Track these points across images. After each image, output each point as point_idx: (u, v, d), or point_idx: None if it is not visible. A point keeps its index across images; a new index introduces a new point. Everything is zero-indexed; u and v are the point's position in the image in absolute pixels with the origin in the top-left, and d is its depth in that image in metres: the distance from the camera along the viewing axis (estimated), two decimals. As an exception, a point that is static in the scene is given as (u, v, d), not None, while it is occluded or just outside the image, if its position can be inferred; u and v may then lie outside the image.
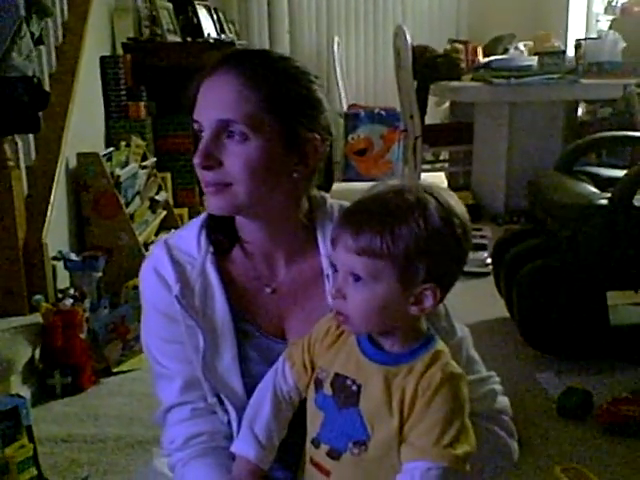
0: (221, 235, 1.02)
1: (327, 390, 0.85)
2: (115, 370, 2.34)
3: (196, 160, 0.92)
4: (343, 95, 5.49)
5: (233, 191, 0.92)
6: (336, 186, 1.10)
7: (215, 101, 0.92)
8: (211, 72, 0.93)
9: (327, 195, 1.06)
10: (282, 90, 0.92)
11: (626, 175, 2.24)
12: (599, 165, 3.06)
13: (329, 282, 0.98)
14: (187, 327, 0.96)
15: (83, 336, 2.26)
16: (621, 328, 2.37)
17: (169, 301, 0.97)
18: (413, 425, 0.80)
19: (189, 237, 1.01)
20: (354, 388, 0.83)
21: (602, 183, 2.45)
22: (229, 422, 0.96)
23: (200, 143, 0.93)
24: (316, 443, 0.86)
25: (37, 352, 2.19)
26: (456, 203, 0.85)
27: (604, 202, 2.19)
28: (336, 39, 5.57)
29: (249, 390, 0.94)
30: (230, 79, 0.91)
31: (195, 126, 0.95)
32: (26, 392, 2.05)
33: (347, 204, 1.01)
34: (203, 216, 1.03)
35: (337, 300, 0.84)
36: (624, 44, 4.12)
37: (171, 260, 0.99)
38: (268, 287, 1.01)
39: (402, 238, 0.80)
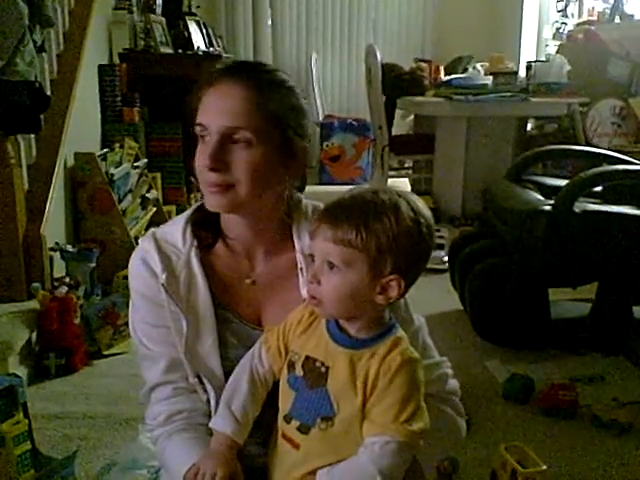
0: (205, 230, 1.01)
1: (298, 371, 0.86)
2: (105, 353, 2.31)
3: (205, 162, 0.90)
4: (319, 106, 5.49)
5: (235, 191, 0.92)
6: (313, 188, 1.10)
7: (224, 108, 0.90)
8: (216, 81, 0.92)
9: (302, 196, 1.06)
10: (283, 101, 0.92)
11: (568, 184, 2.27)
12: (545, 175, 3.10)
13: (303, 275, 0.98)
14: (172, 313, 0.96)
15: (77, 321, 2.23)
16: (560, 321, 2.41)
17: (156, 289, 0.96)
18: (374, 403, 0.81)
19: (175, 231, 1.00)
20: (323, 369, 0.84)
21: (547, 191, 2.47)
22: (208, 401, 0.96)
23: (206, 146, 0.91)
24: (287, 419, 0.87)
25: (34, 335, 2.16)
26: (423, 206, 0.86)
27: (548, 208, 2.21)
28: (314, 55, 5.56)
29: (227, 372, 0.94)
30: (238, 88, 0.90)
31: (198, 129, 0.93)
32: (23, 372, 2.02)
33: (320, 204, 1.01)
34: (188, 212, 1.03)
35: (312, 285, 0.85)
36: (569, 67, 4.18)
37: (158, 251, 0.98)
38: (247, 279, 1.00)
39: (375, 232, 0.81)
